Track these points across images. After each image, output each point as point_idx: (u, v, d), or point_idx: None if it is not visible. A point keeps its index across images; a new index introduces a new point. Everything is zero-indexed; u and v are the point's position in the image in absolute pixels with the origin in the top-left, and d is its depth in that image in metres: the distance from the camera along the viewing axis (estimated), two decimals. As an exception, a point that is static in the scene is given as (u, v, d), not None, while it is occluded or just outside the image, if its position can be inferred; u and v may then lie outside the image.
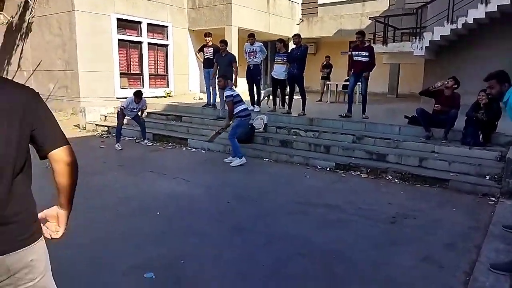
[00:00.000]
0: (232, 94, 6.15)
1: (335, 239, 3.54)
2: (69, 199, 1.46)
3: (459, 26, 9.08)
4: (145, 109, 8.00)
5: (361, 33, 7.52)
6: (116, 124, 7.57)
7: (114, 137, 7.61)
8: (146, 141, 7.82)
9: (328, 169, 5.95)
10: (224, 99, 6.33)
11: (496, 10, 8.54)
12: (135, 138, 8.26)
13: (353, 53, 7.63)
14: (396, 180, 5.36)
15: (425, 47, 9.53)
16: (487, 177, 4.93)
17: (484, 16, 8.72)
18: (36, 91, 1.40)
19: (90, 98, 10.67)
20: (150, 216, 4.03)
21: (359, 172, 5.71)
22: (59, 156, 1.36)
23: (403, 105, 9.32)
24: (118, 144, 7.29)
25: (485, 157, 5.34)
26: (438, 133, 6.12)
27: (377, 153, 5.99)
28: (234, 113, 6.19)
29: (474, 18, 8.81)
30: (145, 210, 4.21)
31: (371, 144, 6.38)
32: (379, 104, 10.64)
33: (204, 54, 8.98)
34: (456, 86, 6.04)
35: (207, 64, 8.93)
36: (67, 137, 1.45)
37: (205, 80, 9.20)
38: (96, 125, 9.10)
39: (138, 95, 7.38)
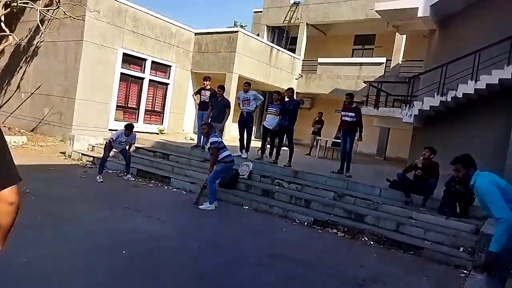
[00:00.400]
0: (216, 141, 6.24)
1: (298, 298, 3.45)
2: (5, 237, 1.36)
3: (449, 99, 9.45)
4: (134, 143, 8.04)
5: (350, 95, 7.90)
6: (102, 155, 7.56)
7: (98, 168, 7.56)
8: (129, 176, 7.75)
9: (306, 223, 5.90)
10: (209, 145, 6.37)
11: (484, 88, 8.94)
12: (118, 171, 8.21)
13: (342, 113, 7.92)
14: (372, 243, 5.30)
15: (414, 115, 9.85)
16: (461, 249, 4.91)
17: (473, 92, 9.10)
18: None
19: (82, 126, 10.74)
20: (115, 253, 3.92)
21: (336, 230, 5.66)
22: (5, 196, 1.27)
23: (388, 168, 9.45)
24: (99, 176, 7.22)
25: (460, 229, 5.34)
26: (417, 200, 6.17)
27: (356, 213, 5.98)
28: (219, 159, 6.24)
29: (463, 93, 9.20)
30: (112, 246, 4.10)
31: (351, 203, 6.38)
32: (365, 164, 10.77)
33: (201, 97, 9.19)
34: (432, 155, 6.18)
35: (202, 106, 9.11)
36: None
37: (198, 121, 9.35)
38: (82, 154, 9.07)
39: (129, 128, 7.44)
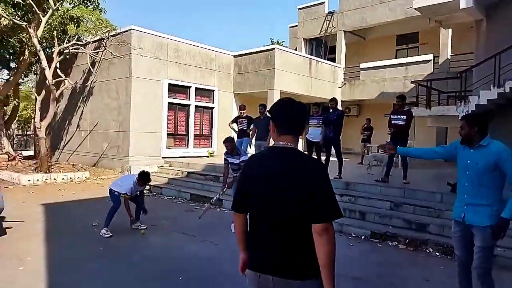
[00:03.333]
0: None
1: (361, 319, 3.27)
2: (330, 273, 1.69)
3: (507, 90, 8.76)
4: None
5: (401, 97, 7.57)
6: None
7: (153, 196, 7.77)
8: (138, 223, 6.00)
9: (363, 237, 5.66)
10: (241, 164, 5.72)
11: (546, 73, 8.22)
12: (173, 197, 8.47)
13: (392, 116, 7.58)
14: (437, 254, 4.95)
15: (471, 111, 9.22)
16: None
17: (534, 79, 8.39)
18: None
19: (138, 157, 11.32)
20: (172, 279, 4.01)
21: (396, 243, 5.36)
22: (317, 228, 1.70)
23: (449, 170, 8.82)
24: (105, 228, 5.55)
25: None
26: (484, 203, 5.68)
27: (417, 222, 5.63)
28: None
29: (523, 82, 8.51)
30: (169, 272, 4.20)
31: (411, 212, 6.03)
32: (424, 168, 10.20)
33: (238, 126, 9.30)
34: None
35: (240, 134, 9.22)
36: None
37: None
38: (139, 183, 9.49)
39: (144, 178, 5.72)
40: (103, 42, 12.15)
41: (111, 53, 11.59)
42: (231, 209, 1.94)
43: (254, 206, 1.86)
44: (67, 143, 14.07)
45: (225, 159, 6.06)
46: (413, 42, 17.04)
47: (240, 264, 1.99)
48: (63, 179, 10.25)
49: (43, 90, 12.36)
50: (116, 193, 5.72)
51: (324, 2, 17.60)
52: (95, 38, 12.43)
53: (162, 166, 11.34)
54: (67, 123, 14.20)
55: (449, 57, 14.27)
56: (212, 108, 13.78)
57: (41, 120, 11.33)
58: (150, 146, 11.79)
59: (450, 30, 14.00)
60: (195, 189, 8.75)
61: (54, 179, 10.17)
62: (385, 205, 6.36)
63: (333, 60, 16.79)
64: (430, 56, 14.53)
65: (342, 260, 4.77)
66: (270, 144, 1.99)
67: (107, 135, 12.32)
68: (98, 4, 13.51)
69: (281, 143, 1.81)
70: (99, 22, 12.27)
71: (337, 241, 5.57)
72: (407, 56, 16.46)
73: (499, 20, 10.12)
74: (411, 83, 12.59)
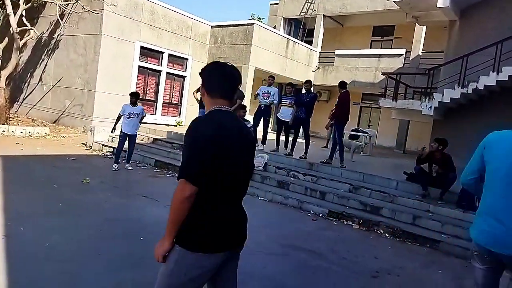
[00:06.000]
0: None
1: (310, 287, 3.47)
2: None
3: (469, 91, 9.23)
4: (145, 116, 7.76)
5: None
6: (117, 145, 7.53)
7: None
8: (128, 165, 7.62)
9: (321, 215, 5.91)
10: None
11: (507, 79, 8.70)
12: (137, 162, 8.37)
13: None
14: (387, 235, 5.28)
15: (434, 107, 9.66)
16: (479, 243, 4.83)
17: (494, 84, 8.88)
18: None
19: (102, 118, 10.97)
20: (132, 239, 4.03)
21: (351, 222, 5.65)
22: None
23: (407, 161, 9.31)
24: (115, 164, 7.36)
25: (479, 223, 5.24)
26: (434, 193, 6.08)
27: (372, 205, 5.94)
28: None
29: (485, 85, 8.98)
30: (130, 233, 4.22)
31: (367, 195, 6.34)
32: (384, 157, 10.66)
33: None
34: (441, 147, 6.06)
35: (203, 104, 8.89)
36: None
37: None
38: (103, 145, 9.28)
39: (134, 95, 7.31)
40: (74, -6, 11.47)
41: (83, 6, 10.98)
42: (189, 181, 1.55)
43: (227, 175, 1.65)
44: (27, 96, 13.36)
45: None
46: (388, 35, 17.41)
47: (162, 252, 1.77)
48: (21, 132, 9.80)
49: (6, 38, 11.57)
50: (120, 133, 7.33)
51: (308, -17, 17.49)
52: (67, -11, 11.72)
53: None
54: (29, 75, 13.44)
55: (420, 54, 14.74)
56: (184, 76, 13.52)
57: (1, 69, 10.66)
58: (116, 108, 11.32)
59: (424, 27, 14.41)
60: (160, 155, 8.67)
61: (12, 131, 9.71)
62: (345, 187, 6.65)
63: (310, 43, 16.86)
64: (402, 51, 14.95)
65: (298, 234, 5.01)
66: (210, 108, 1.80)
67: (70, 92, 11.82)
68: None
69: (223, 107, 1.76)
70: (72, -28, 11.54)
71: (295, 217, 5.82)
72: (381, 48, 16.83)
73: (471, 23, 10.54)
74: (381, 74, 12.94)
